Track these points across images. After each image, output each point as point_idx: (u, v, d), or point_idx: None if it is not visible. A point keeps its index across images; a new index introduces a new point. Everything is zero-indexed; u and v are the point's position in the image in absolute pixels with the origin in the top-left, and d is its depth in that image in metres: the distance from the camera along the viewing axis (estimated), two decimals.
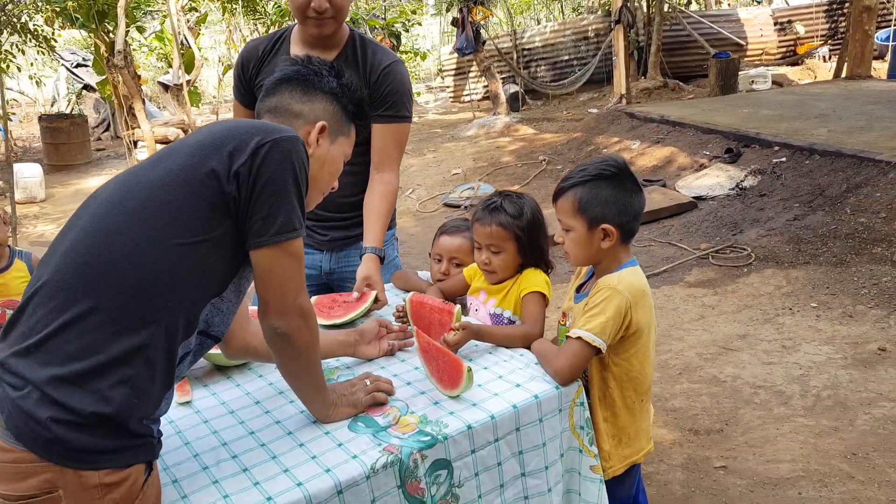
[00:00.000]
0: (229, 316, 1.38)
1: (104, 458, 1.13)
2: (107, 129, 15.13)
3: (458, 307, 1.84)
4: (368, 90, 2.12)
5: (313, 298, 2.11)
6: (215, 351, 1.79)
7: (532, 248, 1.95)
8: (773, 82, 11.26)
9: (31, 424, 1.09)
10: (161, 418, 1.29)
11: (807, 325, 3.82)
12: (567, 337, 1.68)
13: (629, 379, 1.73)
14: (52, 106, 18.00)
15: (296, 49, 2.15)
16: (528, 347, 1.84)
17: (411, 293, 1.97)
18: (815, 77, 12.34)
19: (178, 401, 1.68)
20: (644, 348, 1.72)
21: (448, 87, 16.30)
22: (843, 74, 10.78)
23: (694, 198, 6.05)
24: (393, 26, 9.62)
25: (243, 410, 1.62)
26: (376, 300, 2.05)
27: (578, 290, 1.85)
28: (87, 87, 14.93)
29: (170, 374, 1.24)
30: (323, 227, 2.28)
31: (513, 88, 12.78)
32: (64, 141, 12.09)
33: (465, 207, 7.45)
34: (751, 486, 2.59)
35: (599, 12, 14.93)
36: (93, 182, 11.19)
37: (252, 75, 2.20)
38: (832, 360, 3.42)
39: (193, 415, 1.62)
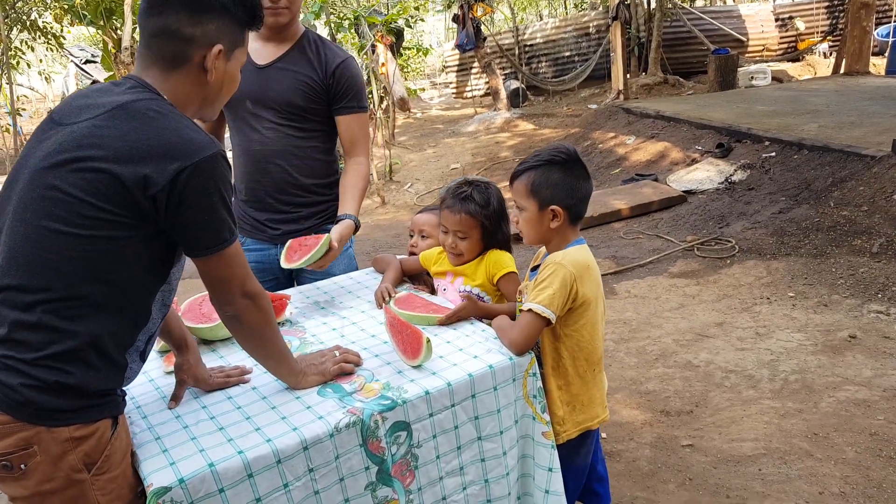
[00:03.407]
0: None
1: (72, 416, 1.28)
2: None
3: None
4: (325, 83, 2.27)
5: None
6: (202, 324, 1.96)
7: (495, 234, 2.10)
8: (773, 78, 11.33)
9: (4, 391, 1.24)
10: (143, 381, 1.45)
11: (782, 313, 3.94)
12: (520, 310, 1.83)
13: (580, 349, 1.87)
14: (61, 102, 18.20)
15: (251, 41, 2.30)
16: None
17: (387, 317, 2.05)
18: (815, 73, 12.40)
19: (164, 370, 1.84)
20: (592, 319, 1.86)
21: (451, 83, 16.42)
22: (842, 70, 10.85)
23: (684, 192, 6.17)
24: (393, 23, 9.75)
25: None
26: (329, 250, 2.14)
27: (534, 269, 2.00)
28: (95, 83, 15.14)
29: (123, 357, 1.37)
30: (274, 220, 2.40)
31: (514, 84, 12.90)
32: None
33: None
34: (714, 462, 2.73)
35: (601, 8, 15.01)
36: None
37: None
38: (803, 347, 3.54)
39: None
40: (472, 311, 1.99)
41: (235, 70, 1.49)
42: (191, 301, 2.09)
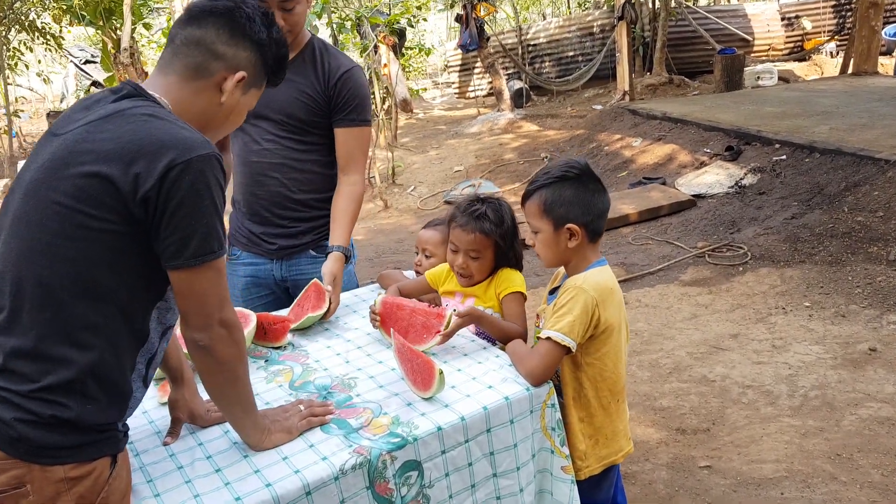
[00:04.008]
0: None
1: (68, 454, 1.17)
2: None
3: (450, 311, 1.87)
4: (327, 95, 2.16)
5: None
6: None
7: (508, 253, 1.99)
8: (780, 78, 11.20)
9: None
10: (137, 412, 1.33)
11: (799, 324, 3.83)
12: (538, 338, 1.72)
13: (603, 378, 1.76)
14: (60, 102, 18.14)
15: None
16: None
17: (382, 294, 2.01)
18: (822, 73, 12.27)
19: (159, 400, 1.73)
20: (616, 347, 1.75)
21: (453, 83, 16.31)
22: (850, 70, 10.72)
23: (693, 196, 6.05)
24: (396, 23, 9.63)
25: None
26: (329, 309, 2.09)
27: (552, 292, 1.89)
28: (95, 83, 15.03)
29: (125, 382, 1.27)
30: (271, 235, 2.30)
31: (517, 84, 12.78)
32: None
33: None
34: (734, 485, 2.61)
35: (605, 8, 14.88)
36: None
37: None
38: (822, 360, 3.43)
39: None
40: (470, 322, 1.87)
41: (245, 108, 1.46)
42: None
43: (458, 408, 1.59)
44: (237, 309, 2.05)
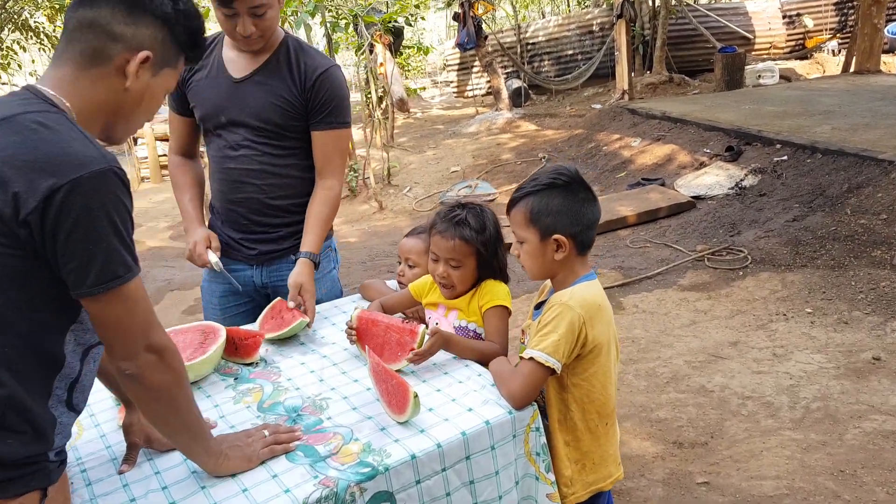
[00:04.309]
0: None
1: None
2: None
3: (422, 327, 1.77)
4: (304, 97, 2.07)
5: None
6: None
7: (491, 262, 1.88)
8: (781, 77, 11.08)
9: None
10: (93, 437, 1.22)
11: (800, 331, 3.71)
12: (521, 358, 1.61)
13: (590, 400, 1.65)
14: None
15: (227, 51, 2.11)
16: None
17: (359, 309, 1.90)
18: (824, 71, 12.14)
19: (119, 423, 1.62)
20: (604, 367, 1.64)
21: (452, 82, 16.19)
22: (852, 69, 10.59)
23: (693, 197, 5.94)
24: (392, 21, 9.51)
25: None
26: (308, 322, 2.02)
27: (538, 307, 1.78)
28: None
29: (44, 411, 1.16)
30: (250, 240, 2.21)
31: (516, 83, 12.66)
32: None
33: None
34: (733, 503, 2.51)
35: (604, 6, 14.76)
36: None
37: (185, 78, 2.13)
38: (824, 370, 3.32)
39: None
40: (440, 347, 1.76)
41: (159, 90, 1.31)
42: None
43: (435, 433, 1.49)
44: (207, 323, 1.96)
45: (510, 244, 1.76)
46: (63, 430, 1.22)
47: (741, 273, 4.54)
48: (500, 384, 1.62)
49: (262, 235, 2.20)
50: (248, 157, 2.11)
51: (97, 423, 1.64)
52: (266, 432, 1.47)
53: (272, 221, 2.18)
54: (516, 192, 1.69)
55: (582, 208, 1.64)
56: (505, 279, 1.96)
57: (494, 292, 1.89)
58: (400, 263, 2.21)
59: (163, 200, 9.26)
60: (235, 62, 2.09)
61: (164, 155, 10.88)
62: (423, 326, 1.78)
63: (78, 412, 1.24)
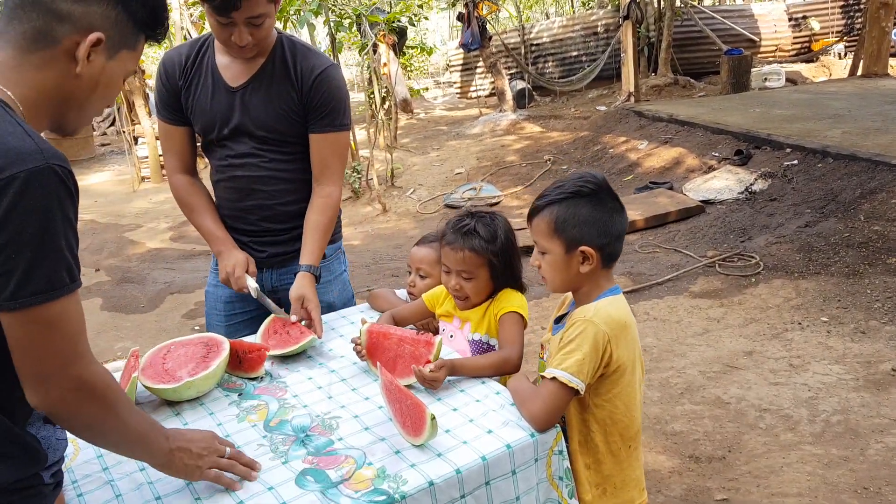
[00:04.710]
0: None
1: None
2: (112, 124, 15.06)
3: (439, 339, 1.68)
4: (301, 98, 1.98)
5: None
6: (164, 384, 1.65)
7: (505, 272, 1.80)
8: (787, 80, 10.99)
9: None
10: (90, 456, 1.13)
11: (817, 341, 3.62)
12: (542, 377, 1.52)
13: (613, 422, 1.56)
14: None
15: (220, 56, 2.01)
16: (506, 374, 1.70)
17: (367, 324, 1.81)
18: (830, 74, 12.05)
19: None
20: (629, 388, 1.55)
21: (455, 82, 16.10)
22: (859, 72, 10.50)
23: (702, 201, 5.85)
24: (396, 21, 9.42)
25: None
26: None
27: (558, 320, 1.69)
28: None
29: (24, 433, 1.07)
30: (260, 242, 2.13)
31: (520, 85, 12.57)
32: (55, 131, 11.99)
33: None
34: None
35: (609, 7, 14.67)
36: (95, 179, 11.12)
37: (179, 86, 2.02)
38: (843, 382, 3.22)
39: (130, 461, 1.47)
40: (446, 376, 1.66)
41: (117, 75, 1.17)
42: (154, 353, 1.78)
43: (453, 458, 1.40)
44: (209, 335, 1.86)
45: (527, 247, 1.66)
46: (51, 444, 1.13)
47: (753, 280, 4.45)
48: (521, 404, 1.53)
49: (271, 238, 2.12)
50: (254, 164, 2.03)
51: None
52: (228, 450, 1.35)
53: (284, 226, 2.10)
54: (539, 200, 1.59)
55: (610, 219, 1.55)
56: (521, 289, 1.87)
57: (509, 300, 1.82)
58: (410, 273, 2.12)
59: (163, 201, 9.17)
60: (230, 68, 1.99)
61: None
62: (439, 337, 1.69)
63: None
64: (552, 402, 1.47)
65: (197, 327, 4.66)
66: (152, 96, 13.57)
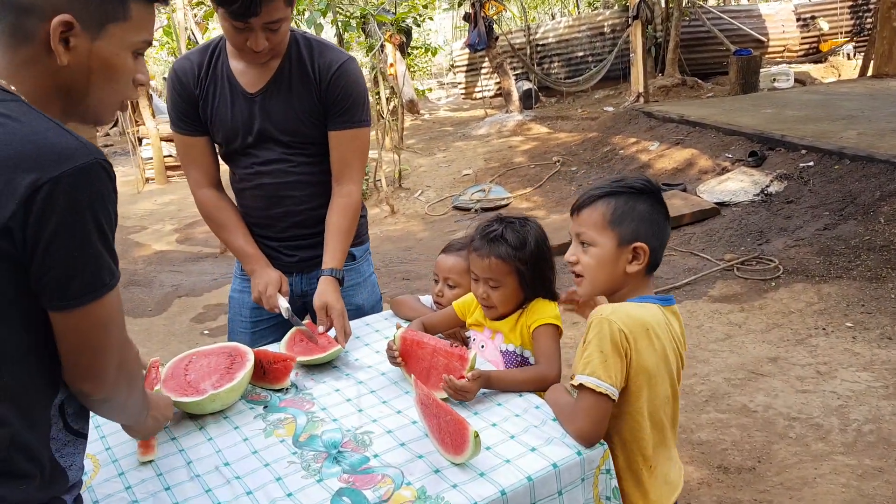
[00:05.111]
0: None
1: None
2: (115, 125, 14.99)
3: (473, 353, 1.60)
4: (320, 95, 1.90)
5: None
6: (187, 397, 1.57)
7: (535, 281, 1.71)
8: (796, 80, 10.91)
9: None
10: (110, 473, 1.07)
11: (842, 347, 3.54)
12: (573, 386, 1.44)
13: (634, 439, 1.46)
14: None
15: (234, 61, 1.92)
16: (544, 391, 1.61)
17: (401, 329, 1.73)
18: (840, 75, 11.97)
19: (139, 459, 1.45)
20: (652, 403, 1.45)
21: (459, 83, 16.02)
22: (870, 73, 10.42)
23: (716, 203, 5.76)
24: (403, 21, 9.35)
25: (210, 475, 1.39)
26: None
27: None
28: None
29: (48, 446, 1.02)
30: (289, 246, 2.06)
31: (526, 85, 12.49)
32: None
33: (476, 211, 7.20)
34: None
35: (616, 7, 14.60)
36: None
37: (196, 95, 1.93)
38: (872, 389, 3.14)
39: (154, 478, 1.39)
40: (479, 388, 1.59)
41: (112, 53, 1.05)
42: (175, 364, 1.70)
43: (497, 477, 1.32)
44: (232, 344, 1.79)
45: (563, 244, 1.56)
46: (74, 464, 1.06)
47: (773, 284, 4.37)
48: (564, 420, 1.45)
49: (300, 243, 2.05)
50: (282, 170, 1.96)
51: (114, 457, 1.47)
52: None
53: (311, 230, 2.02)
54: (593, 191, 1.51)
55: (664, 224, 1.47)
56: (554, 298, 1.79)
57: (542, 311, 1.73)
58: (437, 282, 2.03)
59: (168, 202, 9.11)
60: (246, 74, 1.91)
61: (170, 156, 10.71)
62: (473, 352, 1.61)
63: (80, 435, 1.08)
64: (593, 414, 1.38)
65: (206, 331, 4.59)
66: (155, 97, 13.51)
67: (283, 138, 1.93)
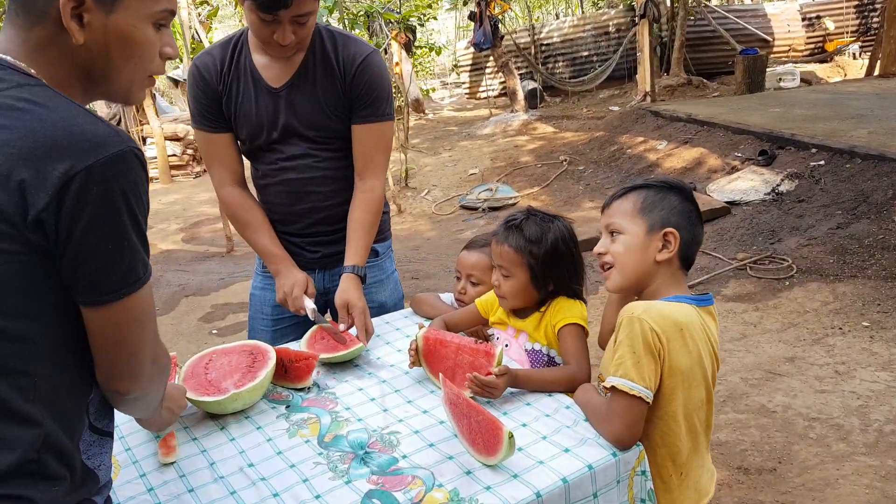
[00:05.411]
0: None
1: None
2: (118, 124, 14.98)
3: (500, 349, 1.57)
4: (344, 88, 1.87)
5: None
6: (208, 397, 1.54)
7: (548, 280, 1.67)
8: (802, 80, 10.86)
9: None
10: (131, 475, 1.04)
11: (860, 347, 3.50)
12: (604, 388, 1.40)
13: (664, 443, 1.42)
14: None
15: (256, 55, 1.88)
16: (573, 391, 1.58)
17: (423, 329, 1.70)
18: (846, 75, 11.92)
19: (161, 461, 1.41)
20: (686, 406, 1.41)
21: (464, 83, 15.99)
22: (876, 72, 10.37)
23: (727, 203, 5.72)
24: (409, 20, 9.32)
25: (235, 477, 1.35)
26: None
27: None
28: None
29: (78, 448, 0.98)
30: (312, 243, 2.02)
31: (531, 85, 12.45)
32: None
33: (483, 210, 7.16)
34: None
35: (621, 7, 14.55)
36: None
37: (219, 91, 1.89)
38: (892, 389, 3.10)
39: (177, 480, 1.36)
40: (507, 386, 1.55)
41: (129, 26, 0.98)
42: (194, 362, 1.66)
43: (531, 479, 1.28)
44: (253, 343, 1.75)
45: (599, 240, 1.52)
46: (102, 464, 1.02)
47: (787, 283, 4.33)
48: (597, 423, 1.41)
49: (323, 238, 2.02)
50: (308, 165, 1.92)
51: (135, 458, 1.44)
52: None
53: (335, 227, 1.99)
54: (625, 185, 1.51)
55: (697, 220, 1.45)
56: (580, 297, 1.75)
57: (567, 310, 1.69)
58: (460, 279, 2.00)
59: (173, 202, 9.08)
60: (270, 68, 1.87)
61: (174, 155, 10.69)
62: (500, 348, 1.58)
63: (104, 433, 1.04)
64: (628, 418, 1.34)
65: (215, 331, 4.56)
66: (158, 97, 13.49)
67: (308, 133, 1.89)
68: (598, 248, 1.51)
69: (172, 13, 1.03)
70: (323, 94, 1.88)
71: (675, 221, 1.43)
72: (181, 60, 14.57)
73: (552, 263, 1.67)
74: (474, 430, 1.36)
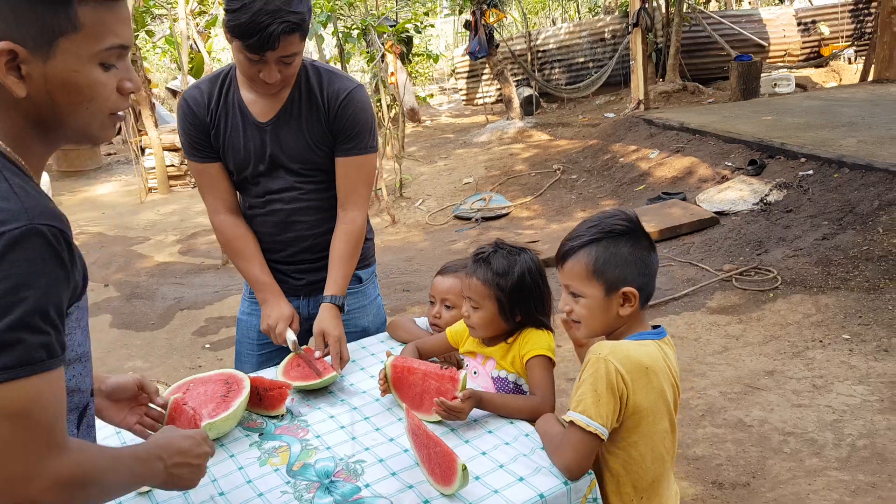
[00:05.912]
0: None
1: None
2: (118, 133, 15.08)
3: (463, 374, 1.64)
4: (329, 122, 1.95)
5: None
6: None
7: (515, 311, 1.73)
8: (797, 85, 10.92)
9: None
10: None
11: (839, 360, 3.56)
12: (565, 420, 1.47)
13: (626, 472, 1.48)
14: None
15: (244, 91, 1.96)
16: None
17: (391, 357, 1.77)
18: (841, 80, 11.97)
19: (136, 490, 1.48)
20: (647, 437, 1.48)
21: (461, 89, 16.07)
22: (870, 78, 10.41)
23: (716, 213, 5.79)
24: (403, 32, 9.40)
25: None
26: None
27: None
28: None
29: None
30: (298, 270, 2.11)
31: (527, 92, 12.52)
32: (73, 146, 12.02)
33: (476, 220, 7.23)
34: None
35: (616, 13, 14.63)
36: (102, 189, 11.12)
37: (207, 123, 1.97)
38: (867, 403, 3.16)
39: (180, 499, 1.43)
40: (472, 407, 1.62)
41: (70, 69, 0.94)
42: (174, 392, 1.73)
43: None
44: (229, 371, 1.82)
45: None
46: None
47: (771, 295, 4.39)
48: (551, 451, 1.48)
49: (309, 266, 2.10)
50: (293, 197, 2.02)
51: None
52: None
53: (320, 255, 2.07)
54: (572, 241, 1.52)
55: (648, 257, 1.50)
56: (547, 328, 1.81)
57: (535, 341, 1.75)
58: (434, 304, 2.07)
59: (170, 213, 9.16)
60: (257, 103, 1.96)
61: (172, 165, 10.77)
62: (463, 372, 1.65)
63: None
64: (580, 450, 1.41)
65: (208, 345, 4.63)
66: (159, 105, 13.58)
67: (293, 166, 1.97)
68: (562, 307, 1.56)
69: (124, 48, 0.98)
70: (308, 129, 1.95)
71: (630, 276, 1.47)
72: (180, 70, 14.66)
73: (519, 295, 1.73)
74: (433, 460, 1.43)
